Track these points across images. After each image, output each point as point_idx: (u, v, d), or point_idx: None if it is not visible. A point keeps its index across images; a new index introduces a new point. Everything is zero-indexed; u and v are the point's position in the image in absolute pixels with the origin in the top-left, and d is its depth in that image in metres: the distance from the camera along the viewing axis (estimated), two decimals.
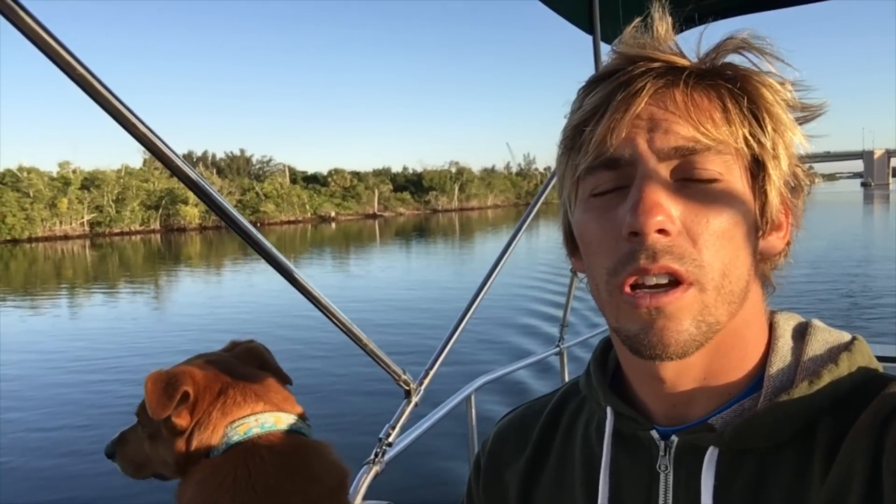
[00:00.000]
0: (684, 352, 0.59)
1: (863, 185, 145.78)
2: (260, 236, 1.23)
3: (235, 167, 75.45)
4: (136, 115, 1.01)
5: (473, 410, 2.58)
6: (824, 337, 0.66)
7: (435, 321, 11.21)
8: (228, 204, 1.18)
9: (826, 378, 0.61)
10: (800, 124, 0.64)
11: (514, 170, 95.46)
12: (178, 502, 0.99)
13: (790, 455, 0.60)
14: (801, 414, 0.60)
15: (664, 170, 0.60)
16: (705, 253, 0.59)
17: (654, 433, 0.67)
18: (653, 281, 0.58)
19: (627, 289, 0.59)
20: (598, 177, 0.63)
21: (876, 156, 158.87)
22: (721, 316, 0.60)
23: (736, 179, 0.61)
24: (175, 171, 1.09)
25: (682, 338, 0.59)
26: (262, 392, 1.06)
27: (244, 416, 1.02)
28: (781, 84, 0.63)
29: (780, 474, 0.59)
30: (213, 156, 79.70)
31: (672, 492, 0.64)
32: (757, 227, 0.64)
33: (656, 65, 0.62)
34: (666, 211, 0.58)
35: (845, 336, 0.67)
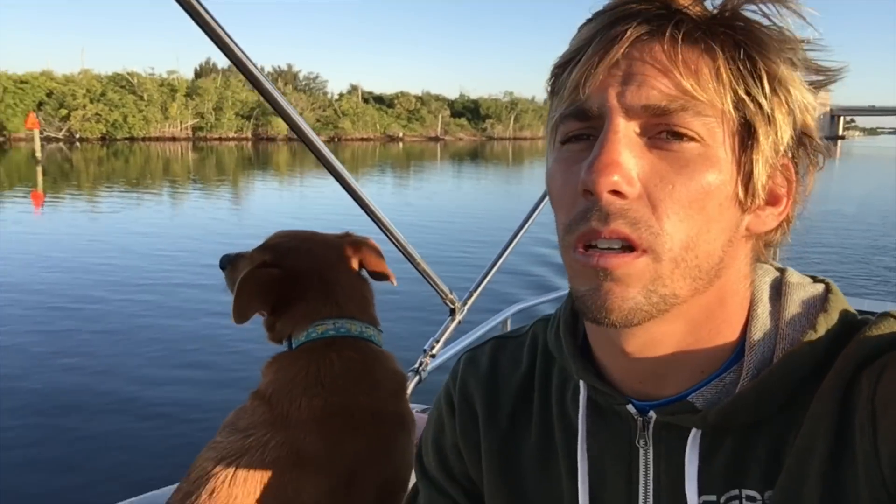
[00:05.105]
0: (628, 320, 0.51)
1: None
2: (330, 155, 1.21)
3: (283, 82, 70.79)
4: (228, 34, 1.00)
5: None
6: (799, 295, 0.57)
7: (487, 238, 11.16)
8: (304, 121, 1.17)
9: (806, 348, 0.53)
10: (815, 89, 0.52)
11: None
12: (262, 378, 1.04)
13: (769, 428, 0.54)
14: (783, 389, 0.53)
15: (634, 127, 0.50)
16: (665, 221, 0.49)
17: (631, 408, 0.58)
18: (604, 245, 0.50)
19: (581, 248, 0.51)
20: (569, 126, 0.53)
21: None
22: (679, 290, 0.51)
23: (717, 144, 0.50)
24: (258, 87, 1.08)
25: (627, 305, 0.50)
26: (343, 300, 1.07)
27: (324, 319, 1.04)
28: (794, 41, 0.51)
29: (759, 448, 0.54)
30: (262, 69, 75.02)
31: (653, 468, 0.58)
32: (738, 199, 0.52)
33: (648, 7, 0.50)
34: (624, 171, 0.48)
35: (818, 287, 0.58)
